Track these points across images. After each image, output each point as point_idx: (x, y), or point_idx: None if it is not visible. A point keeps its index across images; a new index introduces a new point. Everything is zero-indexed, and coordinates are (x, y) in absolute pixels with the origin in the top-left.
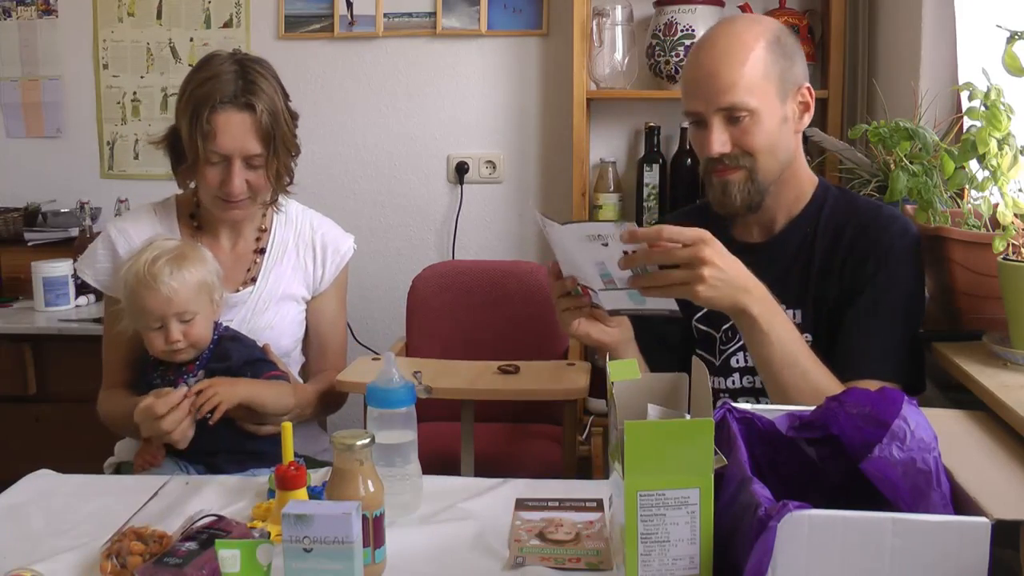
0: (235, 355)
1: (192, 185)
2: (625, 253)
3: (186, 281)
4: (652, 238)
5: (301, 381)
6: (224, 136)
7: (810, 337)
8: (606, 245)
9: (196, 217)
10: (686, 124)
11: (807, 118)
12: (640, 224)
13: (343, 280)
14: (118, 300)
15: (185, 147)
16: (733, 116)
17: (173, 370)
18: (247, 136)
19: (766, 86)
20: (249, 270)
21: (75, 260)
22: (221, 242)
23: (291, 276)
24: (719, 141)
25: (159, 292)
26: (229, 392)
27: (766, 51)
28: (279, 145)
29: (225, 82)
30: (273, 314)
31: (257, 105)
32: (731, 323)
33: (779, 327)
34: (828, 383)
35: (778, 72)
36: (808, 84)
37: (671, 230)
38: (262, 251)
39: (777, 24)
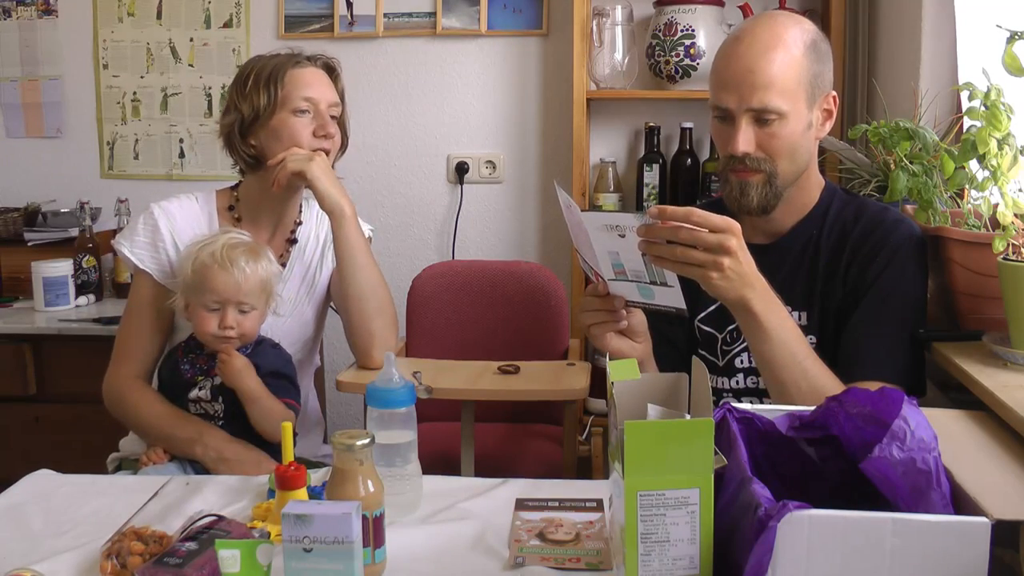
0: (266, 361)
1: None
2: None
3: (257, 273)
4: (680, 218)
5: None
6: (314, 85)
7: (815, 339)
8: (623, 236)
9: (235, 210)
10: (687, 124)
11: (828, 125)
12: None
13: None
14: (149, 276)
15: (264, 109)
16: (762, 117)
17: (204, 359)
18: (330, 88)
19: (798, 90)
20: (281, 256)
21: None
22: (261, 234)
23: (314, 270)
24: (745, 140)
25: (231, 275)
26: (234, 375)
27: (804, 55)
28: (345, 105)
29: (298, 52)
30: (293, 307)
31: (336, 68)
32: (736, 324)
33: (779, 325)
34: (829, 383)
35: (811, 77)
36: (834, 92)
37: (701, 213)
38: (294, 241)
39: (815, 28)
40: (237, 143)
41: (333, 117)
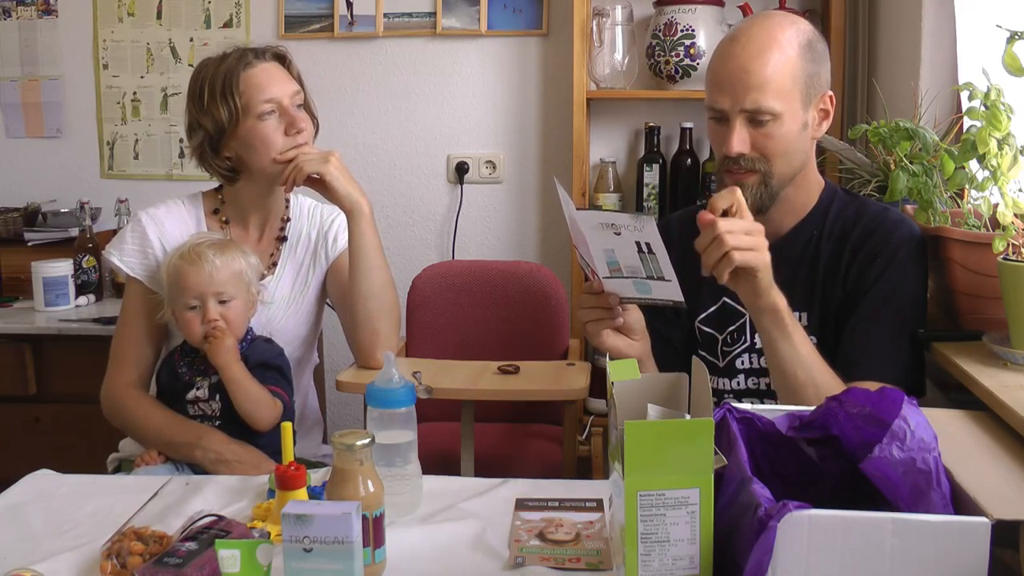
0: (255, 354)
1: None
2: (637, 244)
3: (228, 264)
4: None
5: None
6: (271, 84)
7: (815, 339)
8: (618, 234)
9: (221, 212)
10: (687, 124)
11: (825, 125)
12: None
13: None
14: (140, 283)
15: (228, 122)
16: (756, 118)
17: (201, 360)
18: (287, 80)
19: (793, 91)
20: (272, 255)
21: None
22: (249, 234)
23: (307, 268)
24: (739, 141)
25: (200, 268)
26: (221, 352)
27: (799, 55)
28: (305, 88)
29: (243, 50)
30: (287, 304)
31: (286, 55)
32: (736, 325)
33: (797, 327)
34: (834, 384)
35: (806, 77)
36: (831, 92)
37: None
38: (284, 239)
39: (811, 27)
40: (210, 159)
41: (299, 106)
